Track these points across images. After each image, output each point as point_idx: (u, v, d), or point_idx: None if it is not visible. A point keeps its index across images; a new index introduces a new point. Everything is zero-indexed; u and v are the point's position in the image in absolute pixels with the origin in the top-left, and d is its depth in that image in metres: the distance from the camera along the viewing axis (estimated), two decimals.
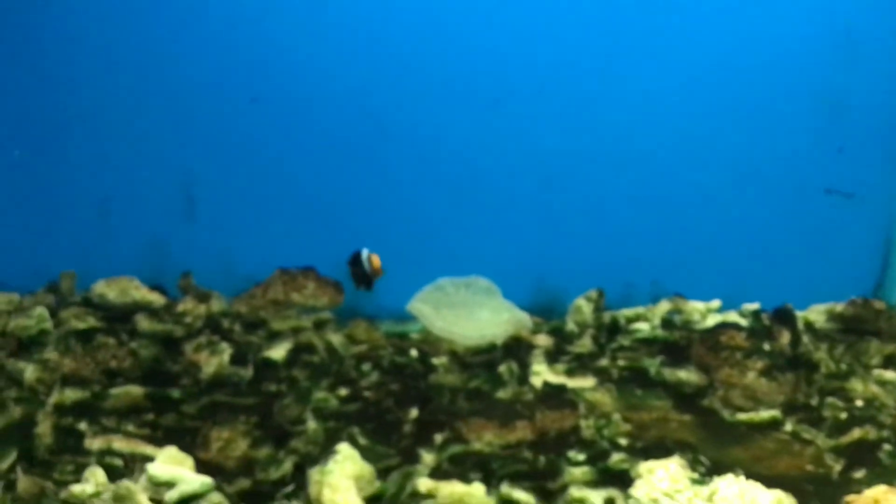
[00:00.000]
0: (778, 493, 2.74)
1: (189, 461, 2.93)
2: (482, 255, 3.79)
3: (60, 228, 3.87)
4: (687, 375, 3.39)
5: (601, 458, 3.06)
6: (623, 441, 3.15)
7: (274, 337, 3.62)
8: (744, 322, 3.57)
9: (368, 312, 3.80)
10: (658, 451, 3.06)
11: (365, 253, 3.28)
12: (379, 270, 3.30)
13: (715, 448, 3.12)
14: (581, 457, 3.06)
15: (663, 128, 3.87)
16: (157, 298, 3.64)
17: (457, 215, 3.90)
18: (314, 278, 3.67)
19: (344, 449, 2.94)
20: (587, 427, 3.19)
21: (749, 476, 2.86)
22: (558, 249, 3.92)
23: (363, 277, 3.30)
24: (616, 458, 3.05)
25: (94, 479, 2.83)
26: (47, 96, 3.75)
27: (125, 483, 2.76)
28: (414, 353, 3.56)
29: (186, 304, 3.60)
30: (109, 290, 3.63)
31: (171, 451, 2.94)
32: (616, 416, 3.23)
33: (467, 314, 3.64)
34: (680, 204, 3.90)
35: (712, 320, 3.63)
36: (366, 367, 3.50)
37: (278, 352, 3.50)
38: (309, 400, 3.27)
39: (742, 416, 3.24)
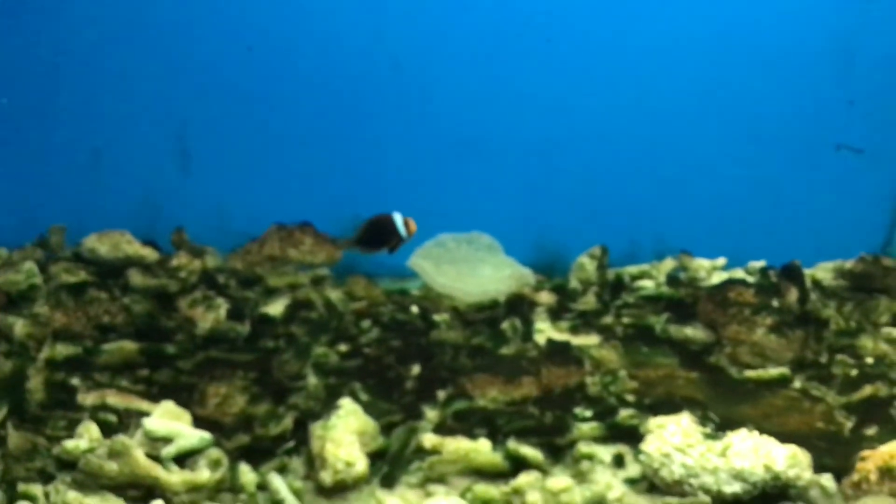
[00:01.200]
0: (793, 448, 2.68)
1: (186, 416, 2.86)
2: (484, 211, 3.69)
3: (50, 181, 3.74)
4: (693, 332, 3.32)
5: (609, 415, 3.01)
6: (630, 398, 3.10)
7: (271, 293, 3.53)
8: (751, 279, 3.50)
9: (366, 269, 3.67)
10: (666, 407, 3.02)
11: (399, 217, 3.16)
12: (412, 234, 3.19)
13: (723, 405, 3.07)
14: (588, 413, 3.00)
15: (669, 81, 3.76)
16: (149, 253, 3.54)
17: (458, 170, 3.79)
18: (311, 234, 3.58)
19: (346, 404, 2.88)
20: (593, 384, 3.14)
21: (759, 433, 2.82)
22: (561, 206, 3.80)
23: (397, 242, 3.18)
24: (624, 414, 2.99)
25: (88, 434, 2.76)
26: (36, 42, 3.61)
27: (121, 438, 2.68)
28: (415, 309, 3.45)
29: (181, 259, 3.50)
30: (101, 244, 3.52)
31: (168, 406, 2.87)
32: (622, 373, 3.19)
33: (469, 270, 3.57)
34: (686, 159, 3.78)
35: (718, 278, 3.55)
36: (365, 323, 3.41)
37: (276, 308, 3.42)
38: (309, 356, 3.19)
39: (750, 374, 3.19)
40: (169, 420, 2.79)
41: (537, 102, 3.77)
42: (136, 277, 3.43)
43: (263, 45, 3.67)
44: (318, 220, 3.60)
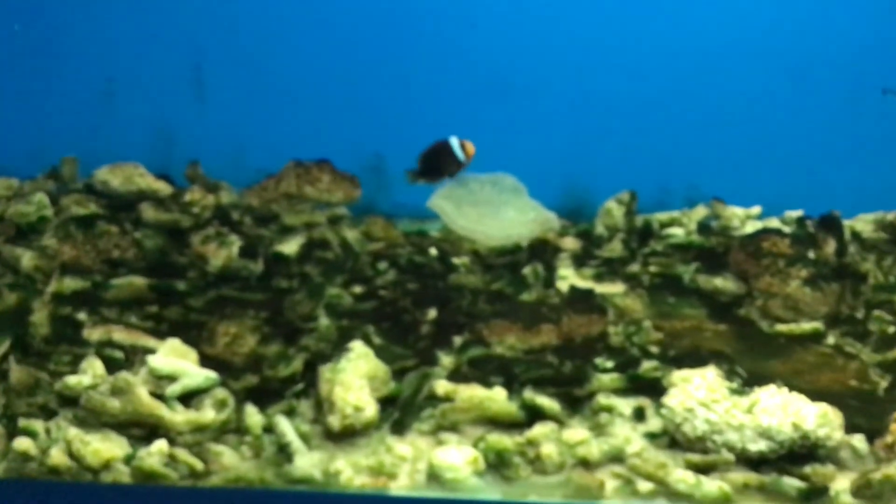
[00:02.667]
0: (823, 406, 2.56)
1: (193, 354, 2.78)
2: (508, 151, 3.43)
3: (62, 110, 3.65)
4: (723, 283, 3.18)
5: (631, 366, 2.89)
6: (654, 349, 2.98)
7: (286, 231, 3.43)
8: (786, 229, 3.35)
9: (385, 209, 3.59)
10: (691, 360, 2.90)
11: (455, 141, 3.00)
12: (471, 157, 3.01)
13: (752, 360, 2.94)
14: (609, 364, 2.89)
15: (704, 19, 3.58)
16: (163, 187, 3.44)
17: (483, 108, 3.64)
18: (329, 171, 3.45)
19: (357, 347, 2.78)
20: (616, 334, 3.03)
21: (789, 390, 2.69)
22: (588, 148, 3.66)
23: (456, 168, 3.00)
24: (647, 366, 2.88)
25: (92, 370, 2.68)
26: None
27: (123, 375, 2.61)
28: (433, 251, 3.34)
29: (194, 194, 3.41)
30: (113, 176, 3.43)
31: (173, 344, 2.78)
32: (647, 324, 3.07)
33: (491, 213, 3.42)
34: (720, 102, 3.61)
35: (752, 227, 3.42)
36: (382, 265, 3.29)
37: (290, 246, 3.32)
38: (322, 296, 3.10)
39: (782, 328, 3.05)
40: (175, 358, 2.71)
41: (566, 40, 3.63)
42: (148, 212, 3.35)
43: None
44: (336, 157, 3.47)
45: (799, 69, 3.58)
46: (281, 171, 3.47)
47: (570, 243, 3.45)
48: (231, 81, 3.66)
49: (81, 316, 2.98)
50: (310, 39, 3.63)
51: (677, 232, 3.43)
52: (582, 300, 3.15)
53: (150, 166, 3.48)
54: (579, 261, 3.38)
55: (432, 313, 3.09)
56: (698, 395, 2.56)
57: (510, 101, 3.70)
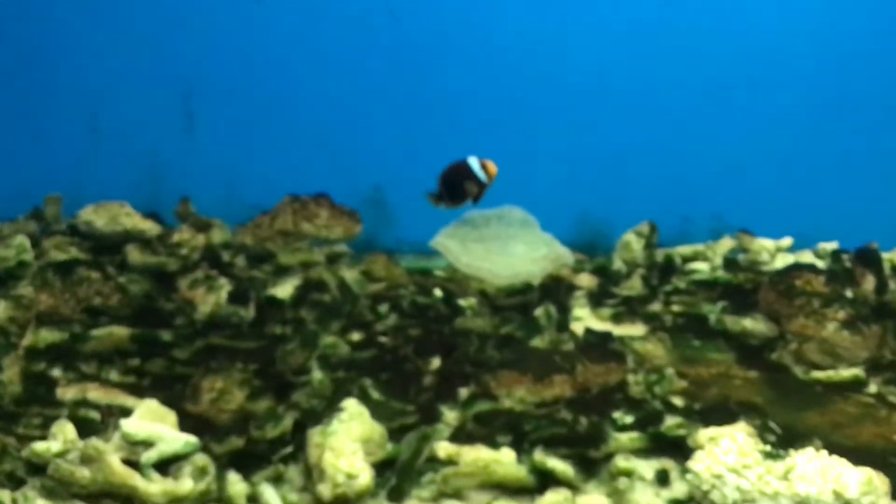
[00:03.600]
0: (867, 472, 2.30)
1: (171, 416, 2.56)
2: (517, 180, 3.22)
3: (45, 147, 3.54)
4: (753, 325, 2.96)
5: (652, 422, 2.66)
6: (678, 401, 2.78)
7: (281, 272, 3.22)
8: (821, 264, 3.12)
9: (388, 246, 3.45)
10: (720, 414, 2.71)
11: (475, 161, 2.76)
12: (493, 178, 2.77)
13: (786, 411, 2.73)
14: (629, 419, 2.67)
15: (732, 41, 3.41)
16: (150, 227, 3.23)
17: (489, 135, 3.46)
18: (328, 206, 3.25)
19: (351, 406, 2.56)
20: (636, 383, 2.83)
21: (827, 446, 2.45)
22: (605, 176, 3.50)
23: (480, 191, 2.76)
24: (670, 422, 2.67)
25: (63, 434, 2.47)
26: None
27: (93, 442, 2.38)
28: (438, 292, 3.16)
29: (183, 234, 3.20)
30: (98, 216, 3.21)
31: (150, 405, 2.57)
32: (670, 371, 2.86)
33: (499, 249, 3.28)
34: (748, 125, 3.44)
35: (783, 261, 3.19)
36: (383, 308, 3.10)
37: (285, 289, 3.12)
38: (316, 345, 2.89)
39: (818, 375, 2.83)
40: (151, 421, 2.48)
41: (582, 57, 3.47)
42: (133, 254, 3.15)
43: None
44: (335, 191, 3.28)
45: (828, 91, 3.42)
46: (276, 206, 3.27)
47: (586, 280, 3.25)
48: (222, 112, 3.53)
49: (56, 372, 2.78)
50: (305, 67, 3.51)
51: (701, 267, 3.21)
52: (598, 345, 2.96)
53: (138, 204, 3.29)
54: (596, 299, 3.18)
55: (436, 362, 2.89)
56: (728, 459, 2.31)
57: (518, 126, 3.53)
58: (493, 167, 2.73)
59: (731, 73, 3.40)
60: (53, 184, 3.41)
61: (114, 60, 3.44)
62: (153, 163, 3.53)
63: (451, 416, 2.69)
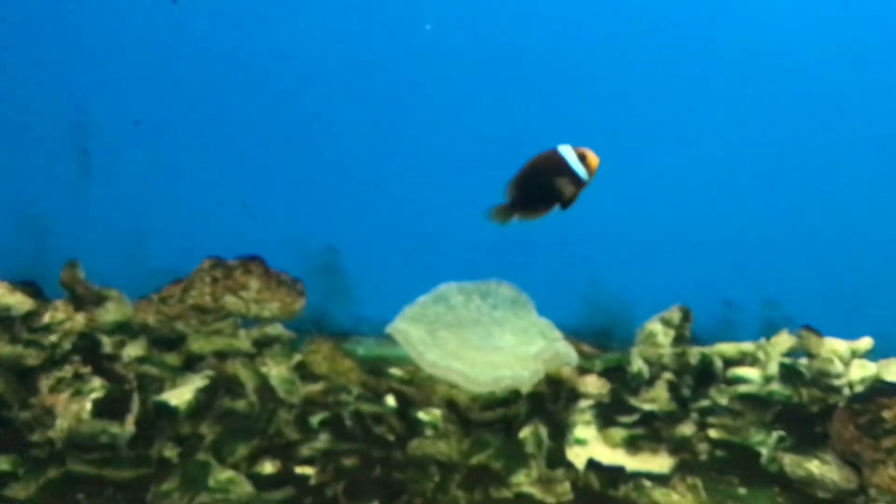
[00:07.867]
0: None
1: None
2: (507, 246, 2.79)
3: None
4: (821, 470, 2.27)
5: None
6: None
7: (189, 365, 2.56)
8: None
9: (342, 326, 2.96)
10: None
11: (570, 151, 2.10)
12: (594, 173, 2.14)
13: None
14: None
15: (804, 94, 2.74)
16: (18, 301, 2.55)
17: (474, 191, 2.72)
18: (260, 274, 2.71)
19: None
20: None
21: None
22: (623, 246, 2.91)
23: (575, 190, 2.13)
24: None
25: None
26: None
27: None
28: (391, 400, 2.50)
29: (56, 313, 2.51)
30: None
31: None
32: None
33: (479, 340, 2.63)
34: (809, 189, 2.79)
35: (862, 371, 2.53)
36: (314, 419, 2.43)
37: (181, 394, 2.42)
38: (204, 484, 2.10)
39: None
40: None
41: (593, 103, 2.84)
42: None
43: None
44: (272, 253, 2.73)
45: None
46: (192, 273, 2.71)
47: (594, 385, 2.64)
48: (125, 149, 2.92)
49: None
50: (234, 89, 2.86)
51: (751, 375, 2.57)
52: (605, 486, 2.25)
53: (13, 269, 2.68)
54: (605, 415, 2.55)
55: None
56: None
57: (507, 173, 2.80)
58: (594, 158, 2.14)
59: (793, 123, 2.74)
60: None
61: None
62: (36, 214, 2.93)
63: None
